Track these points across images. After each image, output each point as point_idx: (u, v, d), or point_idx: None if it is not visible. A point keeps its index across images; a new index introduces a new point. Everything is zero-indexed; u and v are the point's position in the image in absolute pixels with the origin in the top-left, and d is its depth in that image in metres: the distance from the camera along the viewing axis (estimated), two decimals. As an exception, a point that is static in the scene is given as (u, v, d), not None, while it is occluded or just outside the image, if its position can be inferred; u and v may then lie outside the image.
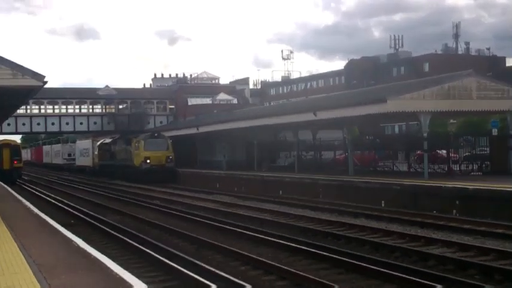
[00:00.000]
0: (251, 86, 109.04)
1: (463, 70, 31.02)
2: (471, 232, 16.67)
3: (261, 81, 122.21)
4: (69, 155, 76.96)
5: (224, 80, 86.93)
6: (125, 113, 61.63)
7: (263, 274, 12.13)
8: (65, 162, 77.71)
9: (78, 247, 11.44)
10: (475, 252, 13.89)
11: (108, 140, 58.58)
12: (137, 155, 46.99)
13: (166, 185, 40.77)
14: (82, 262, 9.84)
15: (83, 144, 68.96)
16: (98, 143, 60.74)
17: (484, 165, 30.98)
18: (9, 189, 30.33)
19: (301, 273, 11.50)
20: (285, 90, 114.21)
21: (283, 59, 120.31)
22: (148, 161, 45.68)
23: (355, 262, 12.37)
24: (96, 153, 60.73)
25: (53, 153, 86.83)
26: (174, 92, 67.07)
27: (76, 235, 13.31)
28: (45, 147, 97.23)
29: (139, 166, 46.40)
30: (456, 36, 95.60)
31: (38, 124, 58.88)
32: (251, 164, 41.80)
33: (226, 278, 11.05)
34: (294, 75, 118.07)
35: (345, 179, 28.54)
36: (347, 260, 12.66)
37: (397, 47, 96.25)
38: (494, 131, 29.35)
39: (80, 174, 66.55)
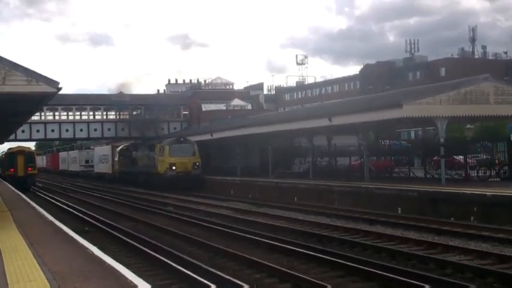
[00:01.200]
0: (265, 92, 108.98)
1: (479, 74, 30.84)
2: (489, 239, 16.55)
3: (276, 87, 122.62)
4: (86, 161, 75.19)
5: (238, 86, 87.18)
6: (140, 119, 61.54)
7: (278, 282, 12.13)
8: (83, 169, 75.97)
9: (92, 254, 11.47)
10: (493, 259, 13.79)
11: (129, 146, 56.95)
12: (161, 161, 44.11)
13: (180, 192, 40.62)
14: (96, 270, 9.85)
15: (102, 150, 67.67)
16: (119, 148, 59.00)
17: (502, 171, 30.75)
18: (23, 196, 30.50)
19: (316, 281, 11.49)
20: (299, 96, 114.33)
21: (298, 64, 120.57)
22: (174, 167, 42.73)
23: (371, 270, 12.32)
24: (116, 159, 58.72)
25: (70, 160, 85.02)
26: (188, 98, 67.16)
27: (90, 242, 13.35)
28: (62, 154, 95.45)
29: (163, 173, 43.49)
30: (472, 40, 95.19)
31: (52, 131, 59.07)
32: (265, 170, 41.77)
33: (242, 286, 11.04)
34: (309, 81, 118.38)
35: (360, 185, 28.44)
36: (362, 267, 12.61)
37: (413, 51, 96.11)
38: (512, 137, 29.17)
39: (95, 181, 65.42)
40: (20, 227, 16.11)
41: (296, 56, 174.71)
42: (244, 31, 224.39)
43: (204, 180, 43.87)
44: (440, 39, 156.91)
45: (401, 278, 11.42)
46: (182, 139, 45.60)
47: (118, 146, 60.38)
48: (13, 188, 37.92)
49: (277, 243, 16.38)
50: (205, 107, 64.65)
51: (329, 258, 13.84)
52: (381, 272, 12.03)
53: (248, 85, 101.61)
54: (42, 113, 56.82)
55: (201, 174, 43.90)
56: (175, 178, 42.40)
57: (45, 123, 58.37)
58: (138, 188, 47.01)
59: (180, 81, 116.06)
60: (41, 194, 44.27)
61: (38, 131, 58.14)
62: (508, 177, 29.34)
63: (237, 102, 65.89)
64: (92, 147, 77.95)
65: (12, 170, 49.05)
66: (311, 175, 37.25)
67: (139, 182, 49.81)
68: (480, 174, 30.96)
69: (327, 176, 35.96)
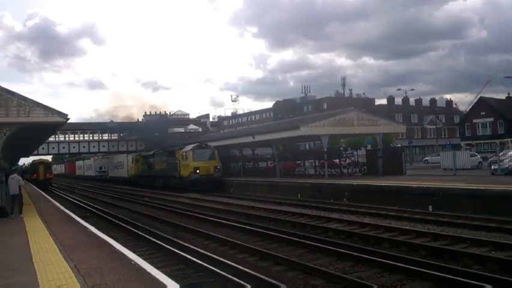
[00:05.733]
0: (211, 119, 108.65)
1: (348, 107, 31.84)
2: (355, 213, 16.98)
3: (218, 116, 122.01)
4: (100, 168, 64.56)
5: (192, 115, 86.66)
6: (125, 139, 59.62)
7: (219, 246, 12.06)
8: (97, 174, 64.75)
9: (91, 232, 11.14)
10: (358, 226, 14.16)
11: (145, 153, 46.18)
12: (185, 165, 33.58)
13: (152, 187, 39.32)
14: (94, 243, 9.58)
15: (118, 158, 57.92)
16: (133, 156, 48.58)
17: (363, 169, 31.74)
18: (43, 193, 29.16)
19: (241, 243, 11.52)
20: (233, 122, 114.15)
21: (232, 101, 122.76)
22: (198, 171, 32.49)
23: (279, 235, 12.45)
24: (132, 165, 48.03)
25: (86, 167, 73.31)
26: (159, 124, 65.87)
27: (90, 224, 12.94)
28: (78, 162, 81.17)
29: (187, 176, 33.05)
30: (343, 85, 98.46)
31: (64, 148, 56.66)
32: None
33: (194, 249, 10.94)
34: (239, 112, 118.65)
35: (274, 180, 28.70)
36: (274, 234, 12.72)
37: (306, 93, 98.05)
38: (368, 146, 30.23)
39: (107, 183, 56.92)
40: (40, 214, 15.46)
41: (231, 95, 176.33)
42: (196, 78, 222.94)
43: (224, 182, 33.27)
44: (323, 84, 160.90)
45: (297, 240, 11.60)
46: (203, 145, 34.40)
47: (132, 155, 50.97)
48: (36, 188, 36.20)
49: (219, 220, 16.29)
50: (170, 130, 63.66)
51: (252, 228, 13.91)
52: (286, 236, 12.19)
53: (199, 115, 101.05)
54: (56, 136, 54.62)
55: (221, 176, 33.61)
56: (199, 180, 32.54)
57: (59, 142, 55.85)
58: (155, 190, 37.33)
59: (153, 113, 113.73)
60: (56, 192, 42.29)
61: (53, 148, 55.58)
62: (366, 173, 30.35)
63: (192, 126, 65.34)
64: (106, 156, 68.04)
65: (35, 175, 47.64)
66: (242, 174, 37.26)
67: (156, 184, 39.74)
68: (349, 171, 31.89)
69: (252, 174, 36.09)
